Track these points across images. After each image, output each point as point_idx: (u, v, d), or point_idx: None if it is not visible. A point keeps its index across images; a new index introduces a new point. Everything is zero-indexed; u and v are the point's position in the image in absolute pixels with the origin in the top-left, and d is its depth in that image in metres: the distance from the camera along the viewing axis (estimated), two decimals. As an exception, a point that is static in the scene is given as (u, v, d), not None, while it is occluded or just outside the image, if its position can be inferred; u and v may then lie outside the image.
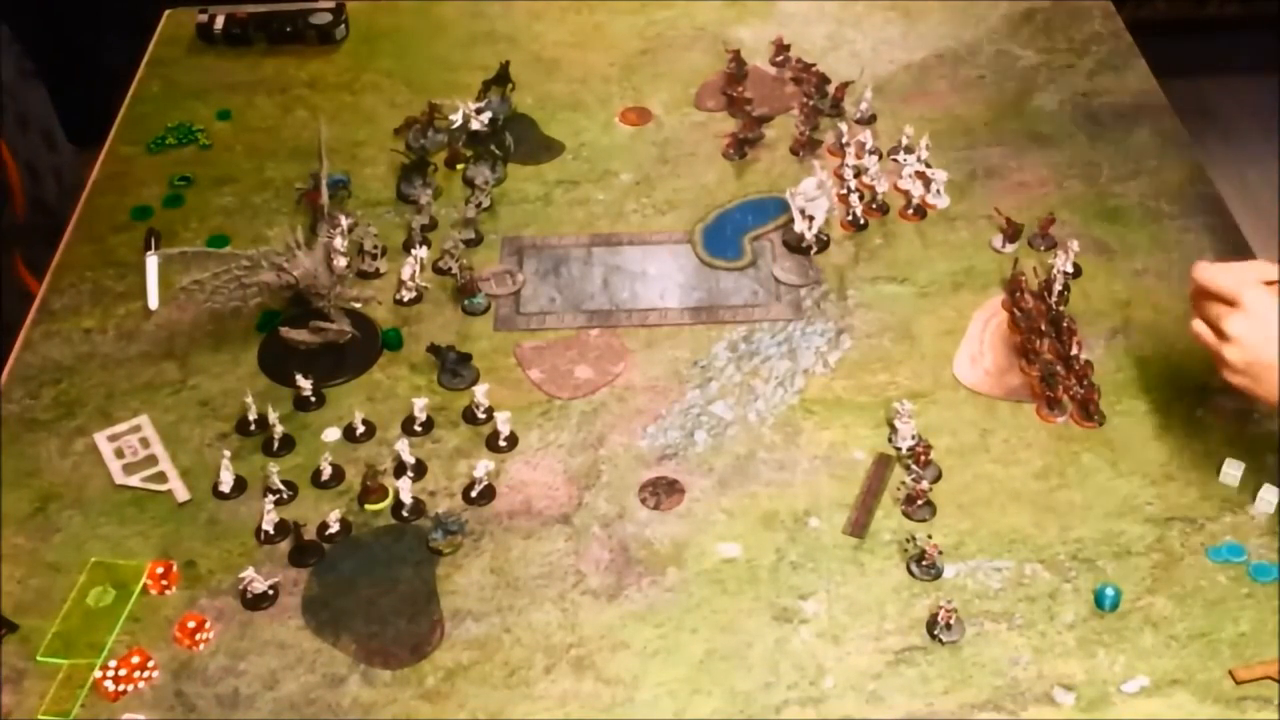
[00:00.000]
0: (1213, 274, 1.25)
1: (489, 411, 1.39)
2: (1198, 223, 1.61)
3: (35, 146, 1.77)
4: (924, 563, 1.24)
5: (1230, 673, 1.16)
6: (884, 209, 1.64)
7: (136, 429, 1.40)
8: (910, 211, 1.63)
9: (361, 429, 1.38)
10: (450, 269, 1.55)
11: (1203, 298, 1.27)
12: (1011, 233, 1.57)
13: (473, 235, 1.61)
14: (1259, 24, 3.30)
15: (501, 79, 1.82)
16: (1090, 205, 1.64)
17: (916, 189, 1.63)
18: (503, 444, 1.37)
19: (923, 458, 1.32)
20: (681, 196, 1.68)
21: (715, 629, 1.21)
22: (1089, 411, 1.37)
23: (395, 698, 1.16)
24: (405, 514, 1.30)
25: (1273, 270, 1.25)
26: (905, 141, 1.69)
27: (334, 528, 1.28)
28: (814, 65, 1.84)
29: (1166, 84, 1.83)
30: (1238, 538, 1.26)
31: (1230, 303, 1.23)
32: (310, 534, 1.28)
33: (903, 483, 1.31)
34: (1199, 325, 1.27)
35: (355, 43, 1.96)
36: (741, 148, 1.73)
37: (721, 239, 1.61)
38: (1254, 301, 1.22)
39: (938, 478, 1.32)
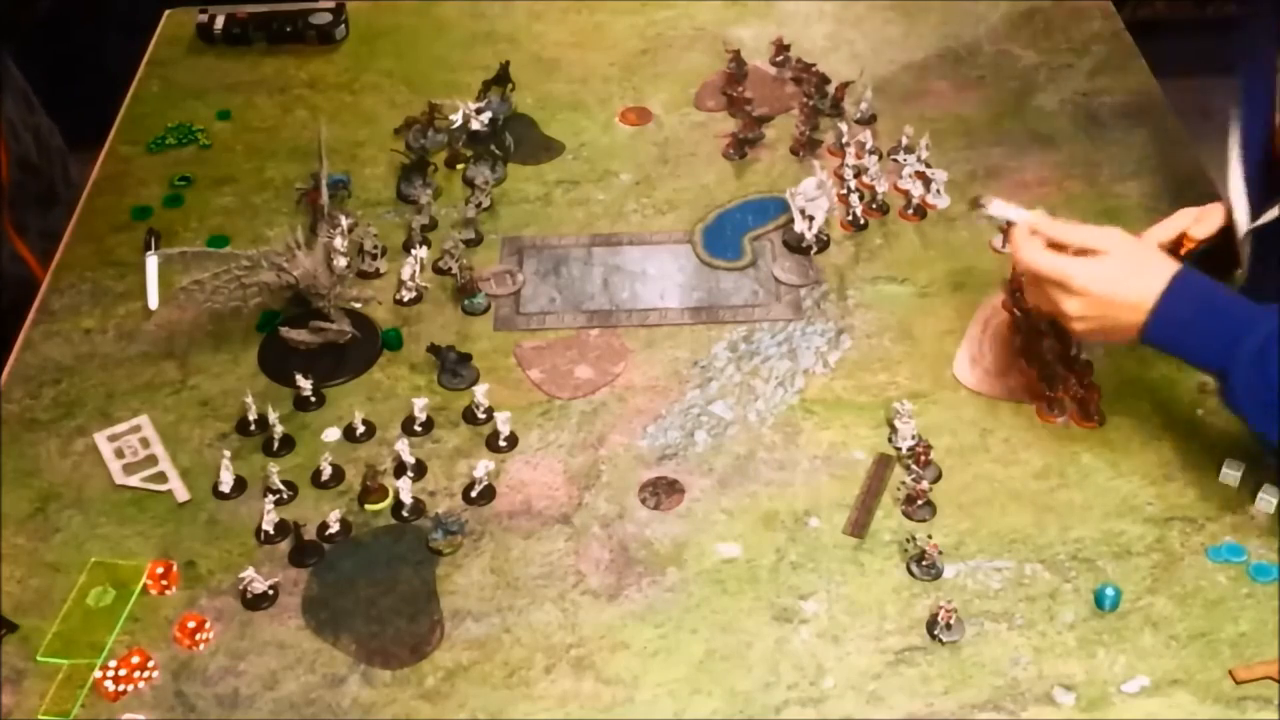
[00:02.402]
0: (1033, 261, 1.27)
1: (489, 411, 1.39)
2: (1198, 223, 1.61)
3: (13, 106, 1.77)
4: (924, 563, 1.24)
5: (1230, 673, 1.16)
6: (884, 209, 1.64)
7: (136, 429, 1.40)
8: (910, 211, 1.63)
9: (361, 429, 1.38)
10: (450, 269, 1.55)
11: (1030, 282, 1.31)
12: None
13: (473, 235, 1.61)
14: (1259, 24, 3.30)
15: (501, 79, 1.82)
16: (1090, 205, 1.64)
17: (916, 189, 1.63)
18: (503, 444, 1.37)
19: (923, 458, 1.32)
20: (681, 196, 1.68)
21: (715, 629, 1.21)
22: (1089, 411, 1.37)
23: (395, 698, 1.16)
24: (405, 514, 1.30)
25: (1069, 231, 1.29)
26: (905, 141, 1.70)
27: (334, 528, 1.28)
28: (814, 65, 1.84)
29: (1166, 84, 1.83)
30: (1238, 538, 1.26)
31: (1059, 284, 1.26)
32: (310, 534, 1.28)
33: (903, 483, 1.31)
34: (1037, 300, 1.32)
35: (355, 43, 1.96)
36: (741, 148, 1.73)
37: (721, 239, 1.61)
38: (1080, 280, 1.24)
39: (938, 478, 1.32)
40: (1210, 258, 1.34)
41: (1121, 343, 1.29)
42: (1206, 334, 1.21)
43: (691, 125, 1.79)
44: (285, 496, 1.32)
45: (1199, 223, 1.36)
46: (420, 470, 1.35)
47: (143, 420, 1.41)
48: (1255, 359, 1.18)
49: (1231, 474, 1.30)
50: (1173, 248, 1.35)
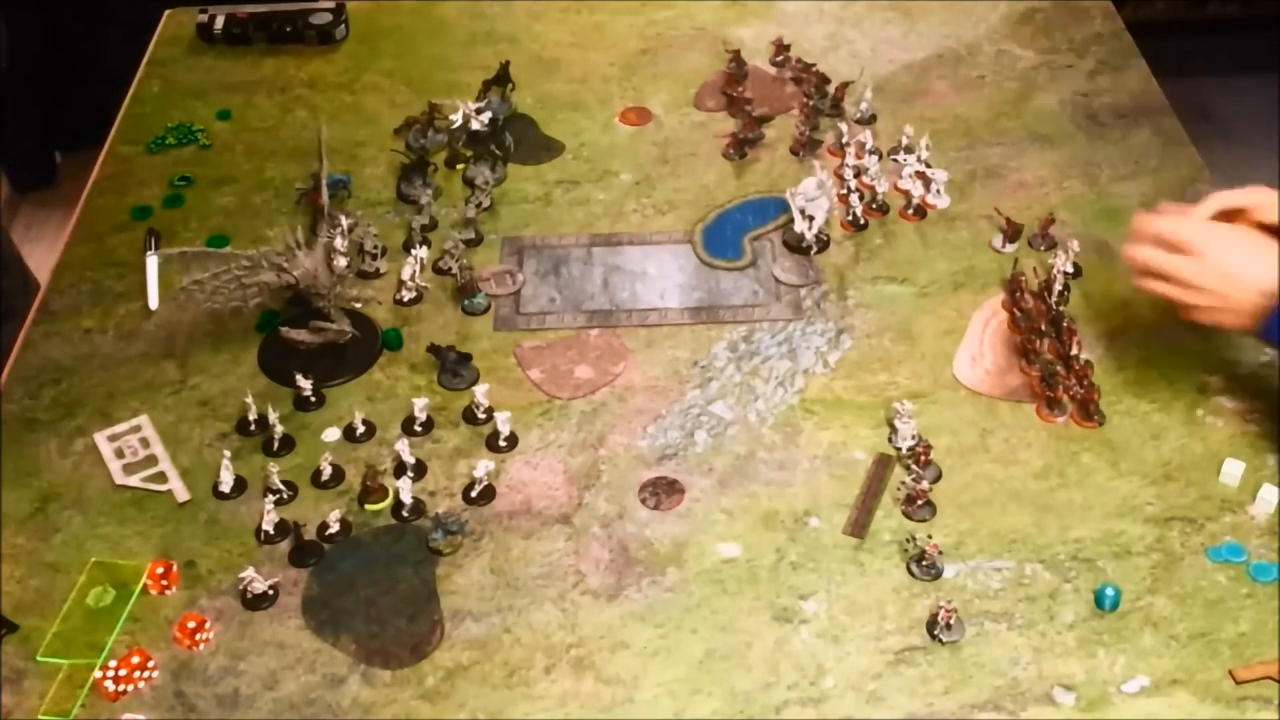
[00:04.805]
0: (1168, 226, 1.30)
1: (489, 411, 1.39)
2: (1198, 223, 1.61)
3: None
4: (924, 563, 1.24)
5: (1230, 673, 1.16)
6: (884, 209, 1.64)
7: (136, 429, 1.40)
8: (910, 211, 1.63)
9: (361, 429, 1.38)
10: (450, 269, 1.55)
11: (1151, 245, 1.31)
12: (1011, 233, 1.57)
13: (473, 235, 1.61)
14: (1259, 24, 3.30)
15: (501, 79, 1.82)
16: (1090, 205, 1.64)
17: (916, 189, 1.63)
18: (503, 444, 1.37)
19: (923, 458, 1.32)
20: (681, 196, 1.68)
21: (715, 629, 1.21)
22: (1089, 411, 1.37)
23: (395, 698, 1.16)
24: (405, 514, 1.30)
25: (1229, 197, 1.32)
26: (905, 141, 1.70)
27: (334, 528, 1.28)
28: (814, 65, 1.84)
29: (1166, 84, 1.83)
30: (1238, 538, 1.26)
31: (1182, 250, 1.28)
32: (310, 534, 1.28)
33: (903, 483, 1.31)
34: (1148, 281, 1.32)
35: (355, 43, 1.96)
36: (741, 148, 1.73)
37: (721, 239, 1.61)
38: (1203, 245, 1.27)
39: (938, 478, 1.32)
40: None
41: (1232, 328, 1.29)
42: None
43: (691, 125, 1.79)
44: (285, 496, 1.32)
45: (1263, 209, 1.33)
46: (420, 470, 1.35)
47: (143, 420, 1.41)
48: None
49: (1231, 474, 1.30)
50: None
